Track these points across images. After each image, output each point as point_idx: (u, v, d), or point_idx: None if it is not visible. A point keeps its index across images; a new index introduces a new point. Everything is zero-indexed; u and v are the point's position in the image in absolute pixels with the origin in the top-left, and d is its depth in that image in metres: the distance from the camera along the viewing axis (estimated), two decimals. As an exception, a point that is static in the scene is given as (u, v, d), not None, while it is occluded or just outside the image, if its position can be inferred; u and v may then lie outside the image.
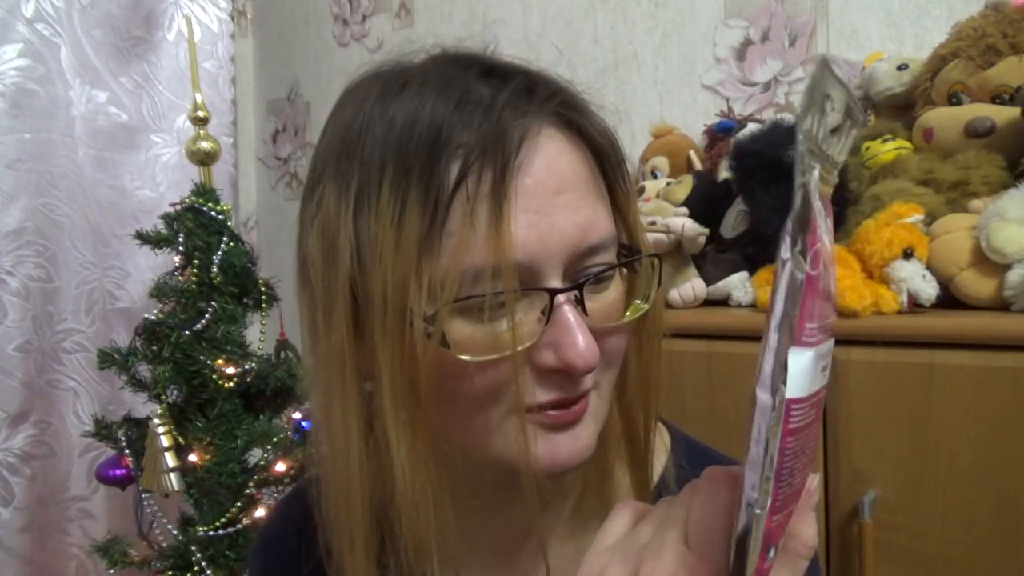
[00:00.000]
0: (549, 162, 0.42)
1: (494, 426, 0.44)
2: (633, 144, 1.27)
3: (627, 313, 0.46)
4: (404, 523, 0.45)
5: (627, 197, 0.47)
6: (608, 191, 0.46)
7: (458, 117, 0.41)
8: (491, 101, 0.42)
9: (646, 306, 0.46)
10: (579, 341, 0.41)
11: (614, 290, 0.45)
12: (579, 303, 0.42)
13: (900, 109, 0.99)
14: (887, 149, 0.89)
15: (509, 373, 0.42)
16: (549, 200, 0.41)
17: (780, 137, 0.86)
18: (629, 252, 0.46)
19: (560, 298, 0.41)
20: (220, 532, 1.30)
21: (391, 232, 0.40)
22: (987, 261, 0.72)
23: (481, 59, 0.46)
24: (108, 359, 1.34)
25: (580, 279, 0.43)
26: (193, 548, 1.29)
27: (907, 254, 0.75)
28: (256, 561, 0.62)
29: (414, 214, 0.40)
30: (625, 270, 0.47)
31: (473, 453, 0.46)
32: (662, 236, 0.89)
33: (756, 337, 0.88)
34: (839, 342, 0.75)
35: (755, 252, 0.91)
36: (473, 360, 0.41)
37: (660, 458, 0.56)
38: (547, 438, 0.44)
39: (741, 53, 1.26)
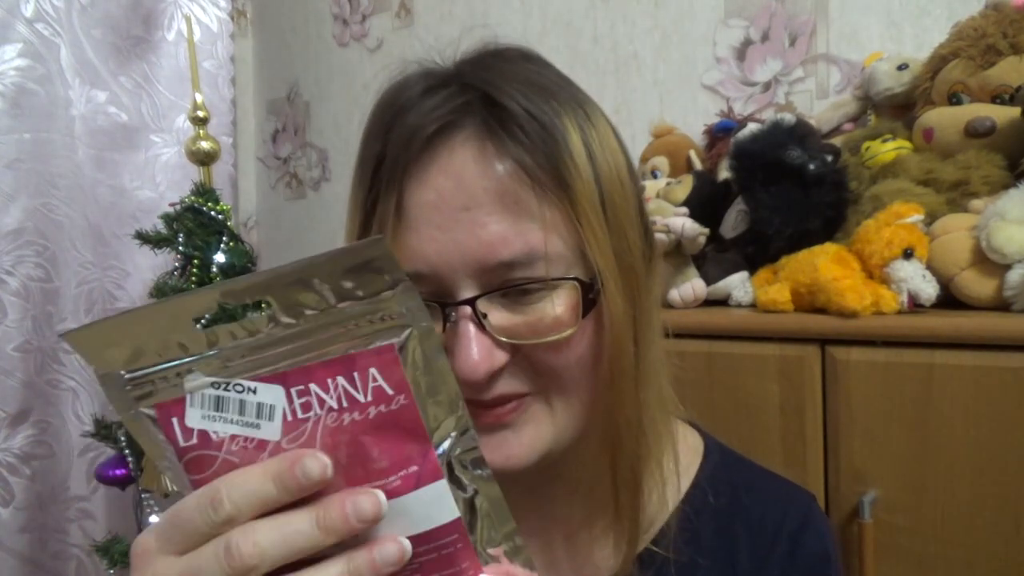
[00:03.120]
0: (459, 177, 0.43)
1: None
2: (633, 144, 1.27)
3: (562, 333, 0.44)
4: None
5: (576, 218, 0.44)
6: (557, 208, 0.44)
7: (386, 134, 0.45)
8: (413, 118, 0.44)
9: (568, 332, 0.44)
10: (466, 352, 0.42)
11: (553, 306, 0.44)
12: (476, 315, 0.43)
13: (900, 109, 0.99)
14: (887, 149, 0.89)
15: None
16: (453, 215, 0.43)
17: (780, 137, 0.86)
18: (581, 281, 0.44)
19: (465, 309, 0.43)
20: (220, 532, 1.30)
21: (346, 231, 0.48)
22: (987, 261, 0.72)
23: (434, 72, 0.48)
24: (108, 359, 1.33)
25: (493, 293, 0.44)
26: (193, 548, 1.29)
27: (907, 254, 0.75)
28: None
29: (356, 219, 0.47)
30: (589, 302, 0.45)
31: None
32: (662, 236, 0.89)
33: (756, 337, 0.88)
34: (839, 342, 0.75)
35: (755, 252, 0.91)
36: None
37: (693, 464, 0.56)
38: (480, 439, 0.45)
39: (741, 53, 1.26)
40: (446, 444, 0.31)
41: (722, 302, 0.92)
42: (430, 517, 0.30)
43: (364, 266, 0.29)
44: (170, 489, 1.29)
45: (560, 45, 1.43)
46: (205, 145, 1.46)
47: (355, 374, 0.29)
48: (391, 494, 0.29)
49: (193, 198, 1.40)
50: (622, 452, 0.48)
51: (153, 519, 1.34)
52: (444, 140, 0.44)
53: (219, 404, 0.29)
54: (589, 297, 0.44)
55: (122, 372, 0.29)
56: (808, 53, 1.19)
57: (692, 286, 0.91)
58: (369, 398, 0.29)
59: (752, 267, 0.91)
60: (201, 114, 1.46)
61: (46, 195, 1.65)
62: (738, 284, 0.90)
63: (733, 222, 0.95)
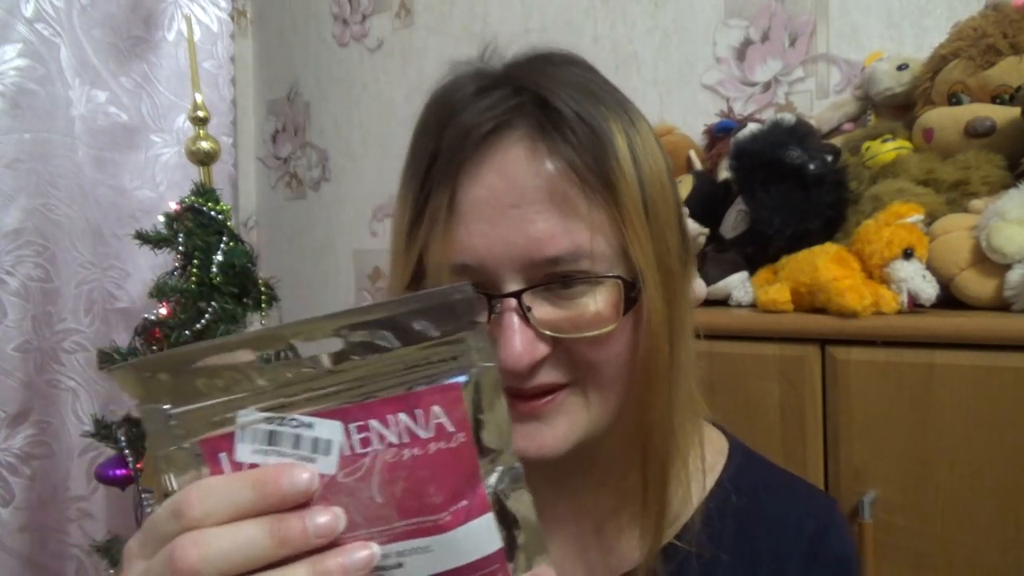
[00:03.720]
0: (510, 175, 0.45)
1: None
2: (633, 144, 1.27)
3: (603, 328, 0.45)
4: None
5: (621, 220, 0.46)
6: (602, 209, 0.46)
7: (440, 132, 0.47)
8: (467, 117, 0.46)
9: (608, 328, 0.45)
10: (510, 343, 0.44)
11: (595, 302, 0.46)
12: (521, 308, 0.45)
13: (900, 109, 0.99)
14: (887, 149, 0.89)
15: None
16: (503, 211, 0.45)
17: (780, 137, 0.86)
18: (624, 280, 0.46)
19: (510, 302, 0.45)
20: (220, 532, 1.29)
21: (394, 225, 0.50)
22: (987, 261, 0.72)
23: (486, 73, 0.49)
24: (108, 359, 1.34)
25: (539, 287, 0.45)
26: (193, 548, 1.29)
27: (907, 254, 0.75)
28: None
29: (407, 214, 0.48)
30: (630, 300, 0.46)
31: None
32: (662, 236, 0.89)
33: (756, 337, 0.88)
34: (839, 342, 0.75)
35: (755, 252, 0.91)
36: None
37: (717, 463, 0.57)
38: (515, 427, 0.46)
39: (741, 53, 1.26)
40: (493, 479, 0.32)
41: (722, 302, 0.92)
42: (477, 548, 0.31)
43: (446, 308, 0.30)
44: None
45: (560, 45, 1.43)
46: (205, 145, 1.46)
47: (418, 411, 0.29)
48: (442, 529, 0.30)
49: (193, 198, 1.40)
50: (652, 448, 0.49)
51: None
52: (497, 139, 0.46)
53: (272, 439, 0.29)
54: (630, 296, 0.46)
55: (167, 407, 0.29)
56: (808, 53, 1.19)
57: (692, 286, 0.91)
58: (430, 434, 0.30)
59: (752, 267, 0.91)
60: (201, 114, 1.46)
61: (46, 195, 1.65)
62: (738, 284, 0.90)
63: (733, 222, 0.95)
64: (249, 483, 0.28)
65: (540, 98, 0.46)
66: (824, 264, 0.77)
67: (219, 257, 1.36)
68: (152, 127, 1.84)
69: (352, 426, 0.29)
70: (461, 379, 0.30)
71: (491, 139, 0.46)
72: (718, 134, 1.16)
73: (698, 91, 1.30)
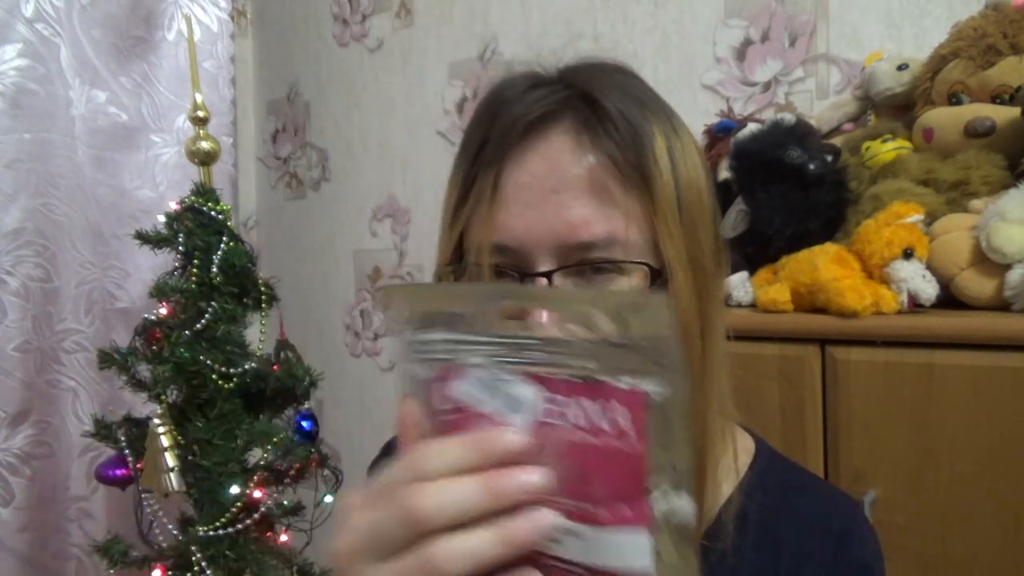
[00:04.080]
0: (553, 163, 0.48)
1: None
2: (633, 144, 1.27)
3: None
4: None
5: (654, 212, 0.48)
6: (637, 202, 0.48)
7: (491, 121, 0.50)
8: (518, 108, 0.49)
9: None
10: (538, 320, 0.43)
11: (620, 287, 0.47)
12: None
13: (900, 109, 0.99)
14: (887, 149, 0.89)
15: None
16: (543, 196, 0.47)
17: (780, 137, 0.86)
18: (651, 267, 0.48)
19: (541, 281, 0.47)
20: (220, 532, 1.30)
21: (444, 208, 0.53)
22: (987, 261, 0.72)
23: (539, 74, 0.52)
24: (108, 359, 1.33)
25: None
26: (193, 548, 1.29)
27: (907, 254, 0.75)
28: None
29: (453, 194, 0.51)
30: (652, 278, 0.48)
31: None
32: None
33: (756, 337, 0.88)
34: (839, 342, 0.75)
35: (755, 252, 0.91)
36: None
37: (744, 463, 0.58)
38: None
39: (741, 53, 1.26)
40: (663, 507, 0.32)
41: (722, 302, 0.92)
42: (622, 558, 0.31)
43: (648, 311, 0.31)
44: (172, 489, 1.29)
45: (560, 45, 1.43)
46: (205, 145, 1.45)
47: (607, 403, 0.31)
48: (598, 522, 0.31)
49: (193, 198, 1.40)
50: None
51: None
52: (543, 128, 0.49)
53: (484, 386, 0.32)
54: (656, 284, 0.47)
55: (413, 331, 0.34)
56: (808, 53, 1.19)
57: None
58: (610, 430, 0.31)
59: (752, 267, 0.91)
60: (201, 114, 1.46)
61: (46, 195, 1.65)
62: (738, 284, 0.90)
63: (733, 222, 0.95)
64: (471, 445, 0.31)
65: (588, 95, 0.49)
66: (824, 264, 0.77)
67: (219, 257, 1.36)
68: (152, 127, 1.84)
69: (550, 395, 0.31)
70: (651, 389, 0.31)
71: (537, 127, 0.48)
72: (718, 134, 1.16)
73: (698, 91, 1.30)
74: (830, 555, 0.54)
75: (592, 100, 0.49)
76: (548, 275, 0.47)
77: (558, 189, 0.47)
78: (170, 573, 1.31)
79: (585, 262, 0.47)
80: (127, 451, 1.34)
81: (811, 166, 0.83)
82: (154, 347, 1.34)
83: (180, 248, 1.37)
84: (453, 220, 0.51)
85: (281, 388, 1.40)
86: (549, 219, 0.47)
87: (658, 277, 0.48)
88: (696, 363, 0.49)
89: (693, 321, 0.48)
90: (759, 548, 0.54)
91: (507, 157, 0.49)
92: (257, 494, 1.32)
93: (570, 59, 0.54)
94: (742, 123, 1.12)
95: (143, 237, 1.39)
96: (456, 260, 0.51)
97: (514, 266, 0.48)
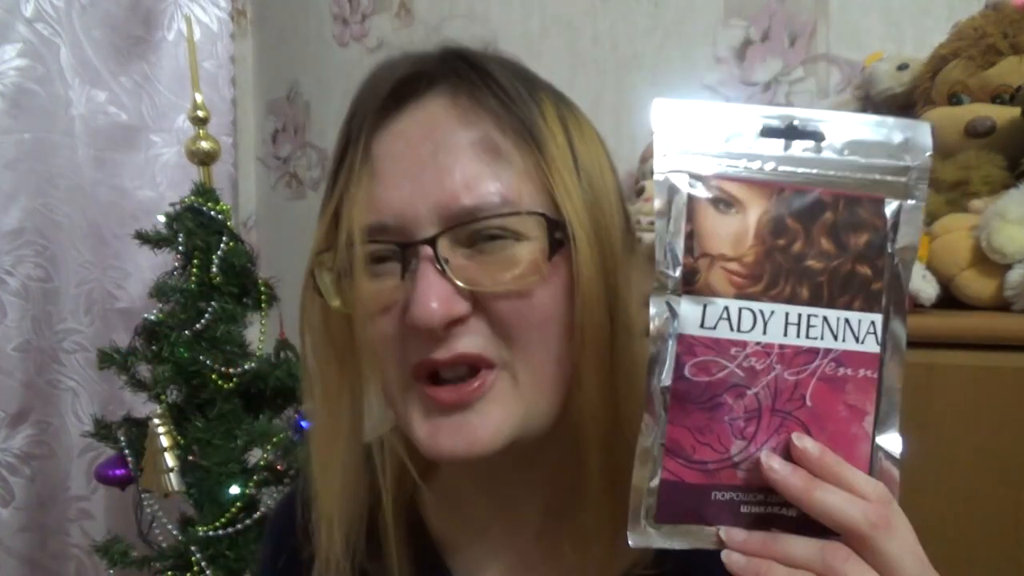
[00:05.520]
0: (429, 125, 0.43)
1: (393, 397, 0.45)
2: (633, 144, 1.26)
3: (525, 281, 0.41)
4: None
5: (547, 170, 0.43)
6: (528, 160, 0.43)
7: (360, 91, 0.46)
8: (384, 70, 0.45)
9: (532, 279, 0.41)
10: (424, 296, 0.40)
11: (518, 255, 0.42)
12: (437, 259, 0.41)
13: (900, 109, 0.98)
14: (887, 149, 0.89)
15: (389, 332, 0.43)
16: (420, 162, 0.42)
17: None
18: (550, 222, 0.42)
19: (426, 251, 0.41)
20: (220, 532, 1.30)
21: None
22: (987, 261, 0.72)
23: (415, 50, 0.48)
24: (108, 359, 1.33)
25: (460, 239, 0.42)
26: (193, 548, 1.29)
27: (907, 254, 0.75)
28: (266, 547, 0.61)
29: (328, 179, 0.46)
30: (555, 243, 0.42)
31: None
32: (662, 236, 0.89)
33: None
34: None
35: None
36: (338, 309, 0.44)
37: None
38: (432, 421, 0.43)
39: (741, 53, 1.26)
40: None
41: (722, 302, 0.91)
42: None
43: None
44: (172, 489, 1.29)
45: (560, 45, 1.43)
46: (205, 145, 1.45)
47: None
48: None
49: (193, 198, 1.40)
50: (598, 442, 0.43)
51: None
52: (416, 90, 0.44)
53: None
54: (556, 236, 0.42)
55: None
56: (808, 53, 1.19)
57: (642, 277, 0.91)
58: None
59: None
60: (201, 114, 1.46)
61: (46, 195, 1.65)
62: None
63: (733, 222, 0.95)
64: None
65: (467, 59, 0.45)
66: (824, 264, 0.77)
67: (219, 257, 1.36)
68: (152, 127, 1.84)
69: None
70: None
71: (409, 90, 0.44)
72: (718, 134, 1.16)
73: (698, 91, 1.30)
74: None
75: (472, 60, 0.44)
76: (432, 241, 0.41)
77: (436, 153, 0.42)
78: (170, 573, 1.31)
79: (473, 226, 0.41)
80: (127, 451, 1.34)
81: (811, 166, 0.83)
82: (154, 347, 1.34)
83: (180, 248, 1.37)
84: (326, 203, 0.45)
85: (281, 388, 1.40)
86: (427, 186, 0.41)
87: (556, 229, 0.42)
88: (602, 344, 0.42)
89: (598, 291, 0.42)
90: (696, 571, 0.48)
91: (377, 125, 0.44)
92: (257, 494, 1.32)
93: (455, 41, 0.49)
94: (742, 123, 1.12)
95: (143, 237, 1.39)
96: (330, 250, 0.44)
97: (395, 244, 0.42)
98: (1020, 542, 0.66)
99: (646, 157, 1.21)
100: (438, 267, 0.41)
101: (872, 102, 1.03)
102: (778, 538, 0.34)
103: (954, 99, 0.87)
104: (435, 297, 0.40)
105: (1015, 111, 0.80)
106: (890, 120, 0.37)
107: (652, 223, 0.96)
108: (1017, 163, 0.79)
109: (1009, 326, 0.67)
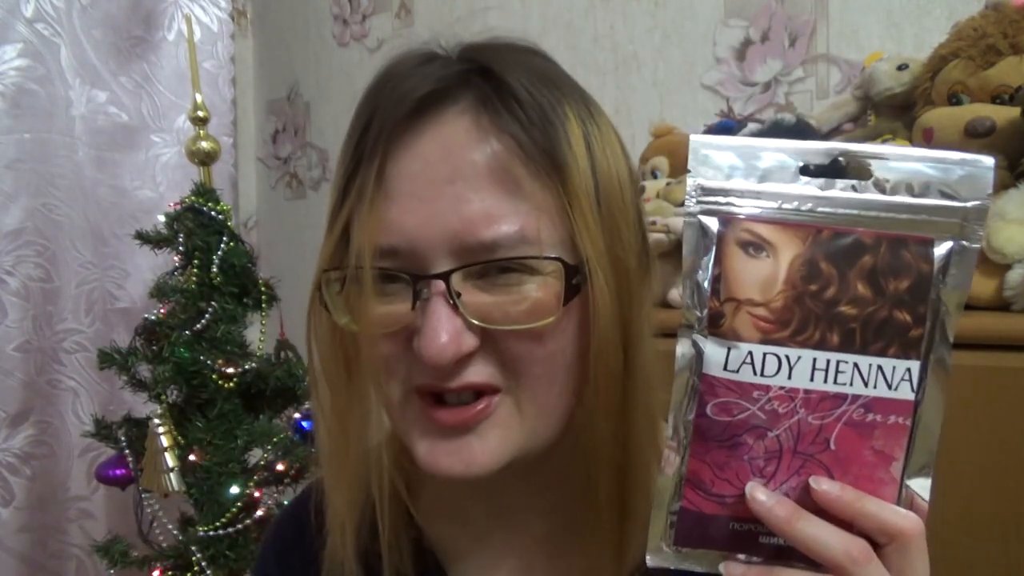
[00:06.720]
0: (448, 148, 0.41)
1: (394, 410, 0.45)
2: (633, 144, 1.27)
3: (540, 321, 0.41)
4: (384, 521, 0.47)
5: (568, 206, 0.42)
6: (549, 193, 0.42)
7: (375, 101, 0.43)
8: (406, 84, 0.42)
9: (546, 321, 0.41)
10: (433, 332, 0.39)
11: (532, 292, 0.41)
12: (450, 293, 0.40)
13: (900, 109, 0.99)
14: (887, 149, 0.89)
15: (395, 352, 0.42)
16: (437, 187, 0.40)
17: (780, 137, 0.86)
18: (566, 263, 0.41)
19: (438, 285, 0.40)
20: (220, 532, 1.30)
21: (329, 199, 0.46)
22: (987, 261, 0.72)
23: (436, 52, 0.46)
24: (108, 359, 1.34)
25: (474, 273, 0.41)
26: (193, 548, 1.29)
27: (907, 254, 0.75)
28: (266, 557, 0.61)
29: (335, 192, 0.44)
30: (572, 288, 0.41)
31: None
32: (662, 236, 0.89)
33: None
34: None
35: (755, 252, 0.91)
36: (347, 326, 0.43)
37: None
38: (431, 439, 0.43)
39: (741, 53, 1.26)
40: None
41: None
42: None
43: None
44: (172, 489, 1.29)
45: (560, 45, 1.43)
46: (205, 145, 1.46)
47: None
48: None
49: (193, 198, 1.40)
50: (606, 463, 0.44)
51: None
52: (436, 108, 0.42)
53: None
54: (573, 282, 0.41)
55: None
56: (808, 53, 1.19)
57: (653, 291, 0.91)
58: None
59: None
60: (201, 114, 1.46)
61: (46, 195, 1.65)
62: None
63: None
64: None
65: (488, 70, 0.43)
66: (824, 264, 0.77)
67: (219, 257, 1.36)
68: (152, 127, 1.84)
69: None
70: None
71: (429, 107, 0.42)
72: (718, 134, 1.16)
73: (698, 91, 1.30)
74: None
75: (494, 76, 0.42)
76: (446, 276, 0.40)
77: (454, 179, 0.40)
78: (170, 573, 1.31)
79: (490, 263, 0.40)
80: (127, 451, 1.34)
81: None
82: (154, 347, 1.34)
83: (180, 248, 1.37)
84: (334, 219, 0.44)
85: (281, 388, 1.40)
86: (444, 214, 0.40)
87: (575, 275, 0.41)
88: (615, 374, 0.42)
89: (614, 326, 0.42)
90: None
91: (393, 142, 0.42)
92: (257, 494, 1.32)
93: (475, 36, 0.47)
94: (742, 123, 1.12)
95: (143, 237, 1.39)
96: (337, 269, 0.43)
97: (405, 269, 0.41)
98: (1020, 543, 0.66)
99: (646, 157, 1.21)
100: (450, 301, 0.40)
101: (872, 102, 1.03)
102: (773, 571, 0.34)
103: (954, 99, 0.87)
104: (446, 332, 0.40)
105: (1015, 111, 0.80)
106: (951, 156, 0.34)
107: (653, 223, 0.96)
108: (1017, 163, 0.79)
109: (1009, 326, 0.67)
